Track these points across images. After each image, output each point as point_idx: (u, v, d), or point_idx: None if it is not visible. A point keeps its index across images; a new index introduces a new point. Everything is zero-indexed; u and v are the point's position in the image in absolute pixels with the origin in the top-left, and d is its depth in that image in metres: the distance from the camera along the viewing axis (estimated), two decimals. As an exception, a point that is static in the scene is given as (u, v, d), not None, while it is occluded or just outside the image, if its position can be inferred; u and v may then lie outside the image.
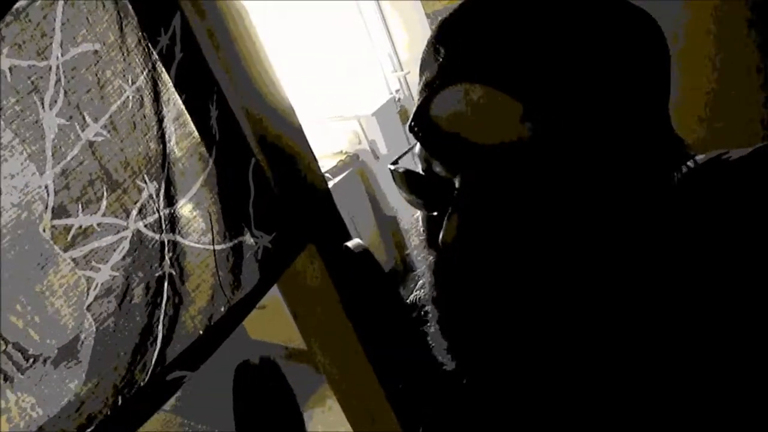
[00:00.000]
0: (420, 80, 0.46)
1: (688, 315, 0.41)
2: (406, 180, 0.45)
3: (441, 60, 0.42)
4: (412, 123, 0.44)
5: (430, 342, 0.43)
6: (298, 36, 2.63)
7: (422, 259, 0.47)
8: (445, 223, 0.41)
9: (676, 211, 0.42)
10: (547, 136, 0.37)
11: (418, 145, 0.44)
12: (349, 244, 0.43)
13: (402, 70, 2.68)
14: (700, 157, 0.47)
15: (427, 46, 0.44)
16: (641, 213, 0.40)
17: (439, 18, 0.45)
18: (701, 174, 0.45)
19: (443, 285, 0.43)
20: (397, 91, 2.75)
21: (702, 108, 1.45)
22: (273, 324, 2.48)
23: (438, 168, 0.42)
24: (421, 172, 0.45)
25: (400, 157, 0.49)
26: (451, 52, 0.41)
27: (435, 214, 0.44)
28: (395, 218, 2.98)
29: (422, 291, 0.45)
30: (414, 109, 0.43)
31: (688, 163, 0.43)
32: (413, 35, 2.51)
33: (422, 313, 0.43)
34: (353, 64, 2.79)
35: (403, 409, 0.98)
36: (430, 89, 0.42)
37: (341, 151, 2.90)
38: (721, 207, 0.42)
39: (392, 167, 0.47)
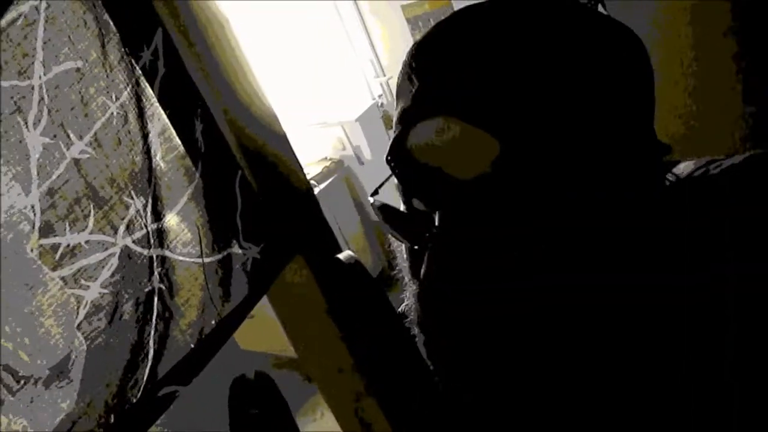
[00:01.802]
0: (396, 107, 0.46)
1: (681, 335, 0.40)
2: (384, 215, 0.44)
3: (414, 90, 0.41)
4: (389, 157, 0.43)
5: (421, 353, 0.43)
6: (279, 44, 2.62)
7: (408, 284, 0.47)
8: (426, 258, 0.41)
9: (667, 224, 0.42)
10: (524, 169, 0.36)
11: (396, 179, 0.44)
12: (340, 256, 0.43)
13: (384, 75, 2.69)
14: (688, 164, 0.46)
15: (401, 72, 0.44)
16: (626, 234, 0.40)
17: (413, 41, 0.44)
18: (693, 185, 0.44)
19: (427, 313, 0.43)
20: (379, 96, 2.76)
21: (680, 106, 1.47)
22: (262, 333, 2.47)
23: (416, 202, 0.42)
24: (401, 204, 0.45)
25: (378, 187, 0.48)
26: (424, 82, 0.40)
27: (416, 247, 0.43)
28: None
29: (409, 312, 0.45)
30: (389, 142, 0.43)
31: (674, 171, 0.43)
32: (394, 40, 2.52)
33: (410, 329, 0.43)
34: (335, 70, 2.80)
35: (396, 415, 0.98)
36: (405, 121, 0.42)
37: (326, 158, 2.90)
38: (715, 219, 0.42)
39: (371, 200, 0.47)
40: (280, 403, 0.43)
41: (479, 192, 0.37)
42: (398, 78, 0.45)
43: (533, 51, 0.38)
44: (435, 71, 0.41)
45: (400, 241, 0.46)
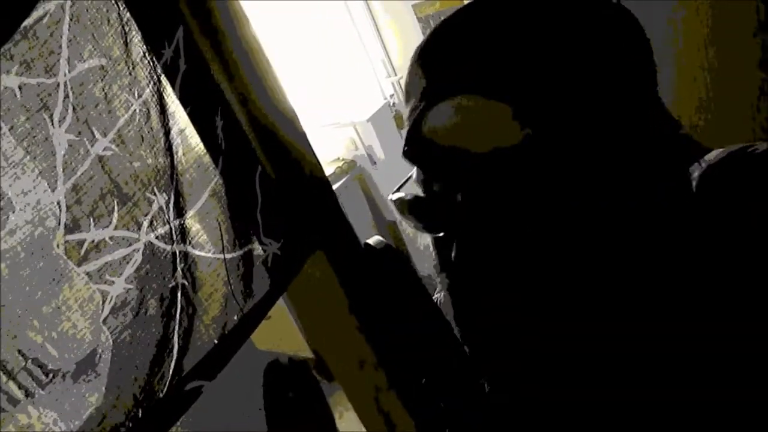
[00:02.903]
0: (407, 106, 0.46)
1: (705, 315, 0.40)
2: (410, 207, 0.45)
3: (424, 85, 0.42)
4: (406, 147, 0.44)
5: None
6: (290, 45, 2.64)
7: (439, 281, 0.47)
8: (455, 245, 0.41)
9: (698, 208, 0.42)
10: (540, 138, 0.37)
11: (416, 172, 0.44)
12: (370, 241, 0.43)
13: (396, 75, 2.69)
14: (718, 152, 0.46)
15: (408, 73, 0.45)
16: (652, 212, 0.40)
17: (419, 44, 0.45)
18: (726, 168, 0.44)
19: (460, 306, 0.43)
20: (391, 96, 2.77)
21: (698, 100, 1.46)
22: (278, 334, 2.48)
23: (437, 186, 0.43)
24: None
25: (399, 188, 0.48)
26: (431, 75, 0.42)
27: (442, 235, 0.44)
28: (395, 222, 2.99)
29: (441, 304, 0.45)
30: (404, 135, 0.44)
31: (705, 158, 0.43)
32: (406, 40, 2.52)
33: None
34: (346, 70, 2.80)
35: (420, 410, 0.98)
36: (418, 113, 0.43)
37: (338, 158, 2.91)
38: (750, 203, 0.42)
39: (394, 197, 0.47)
40: (314, 387, 0.43)
41: (499, 166, 0.38)
42: (406, 79, 0.46)
43: (539, 29, 0.39)
44: (441, 63, 0.41)
45: (426, 232, 0.46)
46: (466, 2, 1.89)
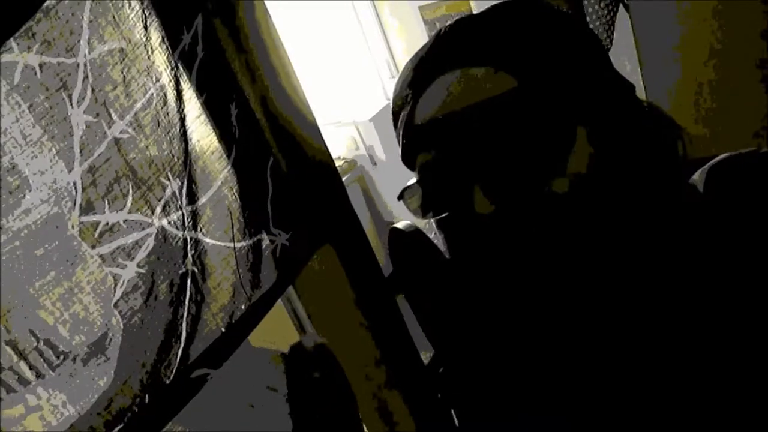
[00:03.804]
0: (398, 126, 0.47)
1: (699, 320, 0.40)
2: (424, 185, 0.45)
3: (409, 80, 0.46)
4: (404, 141, 0.45)
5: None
6: (295, 42, 2.64)
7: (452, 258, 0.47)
8: (475, 195, 0.41)
9: (703, 207, 0.42)
10: (526, 89, 0.40)
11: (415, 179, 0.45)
12: (399, 225, 0.43)
13: (399, 75, 2.70)
14: (724, 157, 0.47)
15: (394, 99, 0.47)
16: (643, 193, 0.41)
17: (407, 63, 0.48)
18: (730, 169, 0.45)
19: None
20: (394, 96, 2.77)
21: (703, 108, 1.47)
22: (273, 331, 2.47)
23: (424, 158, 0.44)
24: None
25: (401, 195, 0.48)
26: (416, 73, 0.46)
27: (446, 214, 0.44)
28: (393, 224, 3.00)
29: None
30: (401, 127, 0.45)
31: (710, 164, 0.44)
32: (411, 41, 2.53)
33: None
34: (350, 70, 2.81)
35: (422, 404, 0.98)
36: (409, 106, 0.45)
37: (339, 157, 2.91)
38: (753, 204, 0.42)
39: (403, 195, 0.46)
40: (336, 367, 0.44)
41: (489, 116, 0.39)
42: (393, 102, 0.48)
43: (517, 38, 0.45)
44: (426, 67, 0.46)
45: (435, 216, 0.46)
46: (473, 6, 1.89)
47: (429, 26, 2.38)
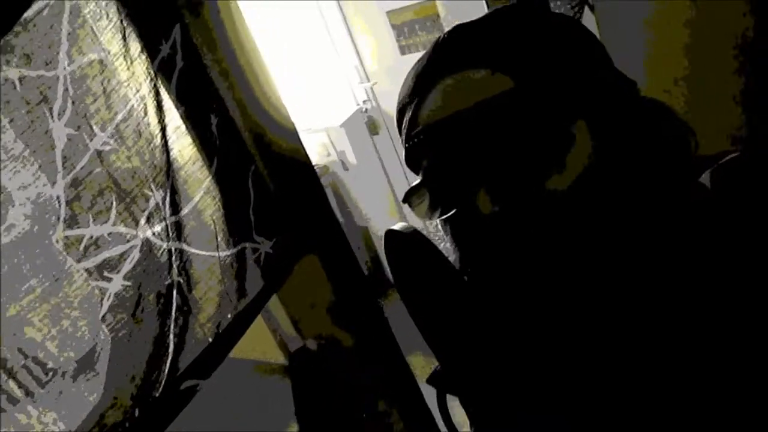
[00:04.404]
0: (401, 131, 0.49)
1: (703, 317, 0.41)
2: (428, 189, 0.45)
3: (412, 87, 0.48)
4: (407, 144, 0.46)
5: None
6: (262, 48, 2.63)
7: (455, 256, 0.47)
8: (478, 196, 0.42)
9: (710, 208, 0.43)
10: (521, 90, 0.42)
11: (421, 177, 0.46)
12: (396, 227, 0.43)
13: (369, 81, 2.71)
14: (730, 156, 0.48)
15: (397, 106, 0.48)
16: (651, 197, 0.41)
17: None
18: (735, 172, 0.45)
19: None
20: (364, 101, 2.78)
21: (673, 100, 1.49)
22: (249, 340, 2.45)
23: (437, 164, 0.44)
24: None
25: (407, 198, 0.48)
26: (418, 82, 0.47)
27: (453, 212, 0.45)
28: (366, 228, 3.00)
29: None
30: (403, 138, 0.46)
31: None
32: (380, 46, 2.54)
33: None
34: (320, 76, 2.81)
35: (409, 408, 0.99)
36: (412, 109, 0.46)
37: (311, 164, 2.90)
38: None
39: (409, 198, 0.47)
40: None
41: (486, 117, 0.41)
42: (399, 96, 0.49)
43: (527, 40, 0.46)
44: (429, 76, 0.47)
45: (424, 216, 0.46)
46: (440, 11, 1.89)
47: (397, 31, 2.40)
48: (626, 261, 0.41)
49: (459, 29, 0.48)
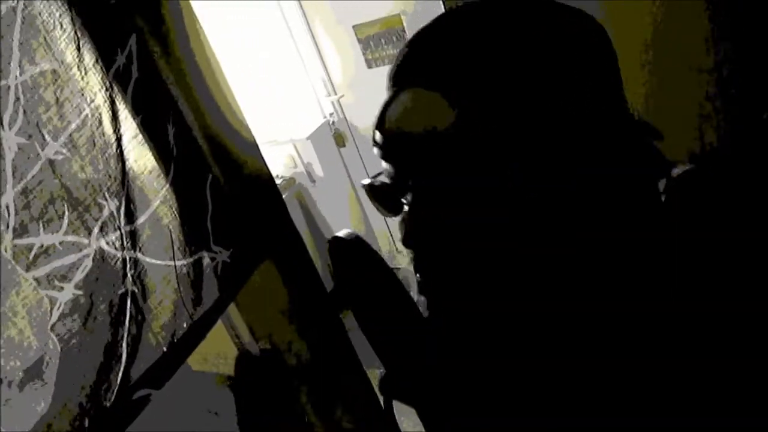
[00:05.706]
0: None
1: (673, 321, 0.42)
2: (374, 192, 0.46)
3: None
4: (376, 129, 0.46)
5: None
6: (229, 62, 2.62)
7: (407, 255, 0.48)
8: (404, 223, 0.43)
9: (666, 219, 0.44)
10: (472, 120, 0.40)
11: (384, 165, 0.46)
12: (340, 234, 0.44)
13: (335, 93, 2.73)
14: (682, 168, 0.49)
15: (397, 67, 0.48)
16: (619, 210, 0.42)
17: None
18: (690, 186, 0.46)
19: (424, 274, 0.45)
20: (331, 114, 2.80)
21: (634, 107, 1.51)
22: (213, 353, 2.42)
23: (394, 174, 0.45)
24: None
25: (373, 178, 0.49)
26: (398, 74, 0.46)
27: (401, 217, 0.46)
28: (334, 240, 3.01)
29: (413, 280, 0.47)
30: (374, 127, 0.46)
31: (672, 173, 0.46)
32: (346, 59, 2.57)
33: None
34: (286, 89, 2.82)
35: (366, 413, 1.00)
36: (383, 105, 0.46)
37: (277, 176, 2.90)
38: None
39: (365, 182, 0.48)
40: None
41: (434, 146, 0.40)
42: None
43: (508, 40, 0.41)
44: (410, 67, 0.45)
45: (389, 215, 0.47)
46: (406, 25, 1.92)
47: (363, 44, 2.43)
48: (594, 271, 0.41)
49: (420, 39, 0.46)
